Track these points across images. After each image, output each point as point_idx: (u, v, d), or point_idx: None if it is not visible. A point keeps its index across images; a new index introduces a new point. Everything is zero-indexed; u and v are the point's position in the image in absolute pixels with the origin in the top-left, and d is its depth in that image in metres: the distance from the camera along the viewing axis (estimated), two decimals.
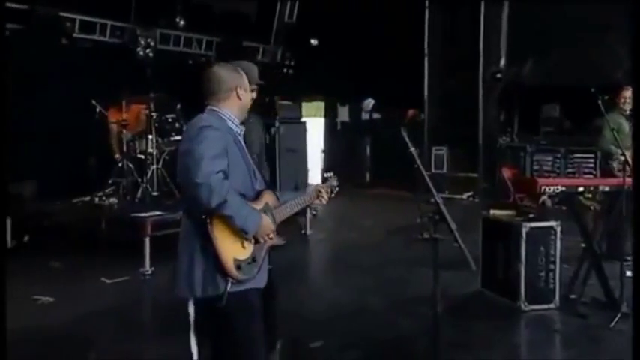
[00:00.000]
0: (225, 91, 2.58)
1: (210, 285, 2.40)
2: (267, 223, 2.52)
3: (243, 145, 2.63)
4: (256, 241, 2.49)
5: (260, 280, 2.54)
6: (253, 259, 2.48)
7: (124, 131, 7.39)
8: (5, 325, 2.64)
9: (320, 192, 2.89)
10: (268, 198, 2.62)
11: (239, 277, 2.41)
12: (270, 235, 2.55)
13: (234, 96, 2.60)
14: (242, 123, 2.68)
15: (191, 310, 2.51)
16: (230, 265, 2.38)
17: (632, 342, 2.71)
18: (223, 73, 2.62)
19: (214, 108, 2.58)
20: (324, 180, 2.98)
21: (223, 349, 2.52)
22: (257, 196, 2.58)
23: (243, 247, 2.45)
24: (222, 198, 2.31)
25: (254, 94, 3.41)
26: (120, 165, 7.32)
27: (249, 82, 3.35)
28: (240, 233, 2.42)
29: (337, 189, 2.98)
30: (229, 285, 2.39)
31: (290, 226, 7.13)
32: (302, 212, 7.28)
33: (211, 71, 2.63)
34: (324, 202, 2.91)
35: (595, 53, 8.94)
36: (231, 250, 2.41)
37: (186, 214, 2.51)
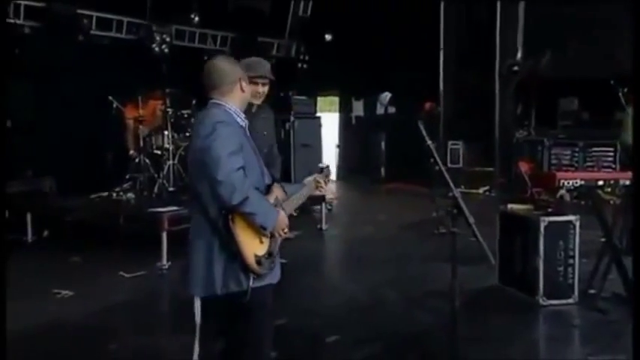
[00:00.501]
0: (228, 84, 2.52)
1: (233, 281, 2.40)
2: (283, 217, 2.53)
3: (250, 138, 2.61)
4: (272, 236, 2.50)
5: (275, 276, 2.56)
6: (270, 254, 2.49)
7: (141, 127, 7.44)
8: (5, 326, 2.65)
9: (319, 182, 2.94)
10: (277, 192, 2.62)
11: (260, 271, 2.42)
12: (285, 230, 2.55)
13: (238, 89, 2.55)
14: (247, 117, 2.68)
15: (197, 309, 2.49)
16: (252, 261, 2.40)
17: (633, 340, 2.66)
18: (225, 65, 2.56)
19: (219, 102, 2.52)
20: (320, 170, 3.06)
21: (234, 345, 2.53)
22: (268, 190, 2.58)
23: (261, 242, 2.46)
24: (243, 195, 2.31)
25: (266, 89, 3.44)
26: (137, 161, 7.38)
27: (262, 77, 3.38)
28: (260, 229, 2.42)
29: (328, 178, 3.08)
30: (252, 281, 2.40)
31: (306, 221, 7.14)
32: (310, 207, 7.29)
33: (213, 64, 2.56)
34: (323, 191, 3.00)
35: (613, 46, 8.80)
36: (252, 245, 2.41)
37: (198, 211, 2.48)
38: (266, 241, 2.48)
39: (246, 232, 2.40)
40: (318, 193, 2.99)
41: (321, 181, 2.95)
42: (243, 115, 2.59)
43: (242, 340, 2.52)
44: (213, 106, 2.53)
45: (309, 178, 2.96)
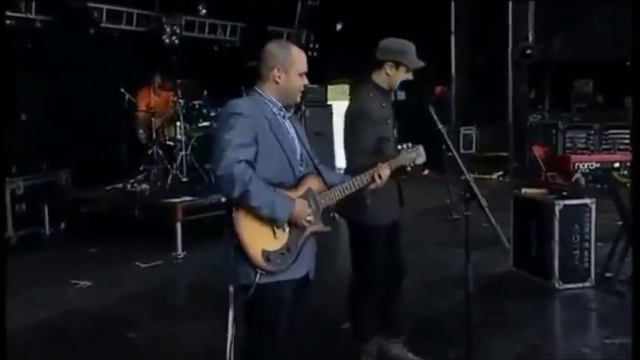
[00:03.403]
0: (265, 70, 2.42)
1: (243, 274, 2.33)
2: (302, 208, 2.36)
3: (288, 128, 2.47)
4: (293, 228, 2.37)
5: (296, 272, 2.41)
6: (288, 249, 2.36)
7: (153, 118, 7.47)
8: (5, 326, 2.67)
9: (385, 169, 2.66)
10: (312, 182, 2.48)
11: (268, 268, 2.31)
12: (308, 220, 2.39)
13: (271, 78, 2.41)
14: (289, 107, 2.48)
15: (230, 295, 2.45)
16: (258, 257, 2.29)
17: (633, 334, 2.64)
18: (272, 49, 2.43)
19: (258, 89, 2.45)
20: (398, 152, 2.72)
21: (248, 333, 2.46)
22: (298, 181, 2.44)
23: (275, 237, 2.33)
24: (244, 187, 2.21)
25: (409, 75, 3.13)
26: (150, 152, 7.43)
27: (407, 65, 3.09)
28: (271, 222, 2.30)
29: (423, 160, 2.71)
30: (258, 277, 2.29)
31: None
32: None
33: (265, 47, 2.45)
34: (384, 179, 2.67)
35: (628, 27, 8.64)
36: (260, 241, 2.30)
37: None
38: (282, 235, 2.34)
39: (254, 226, 2.29)
40: (373, 186, 2.64)
41: (382, 171, 2.63)
42: (280, 105, 2.44)
43: (253, 330, 2.43)
44: (250, 93, 2.47)
45: (384, 167, 2.67)
